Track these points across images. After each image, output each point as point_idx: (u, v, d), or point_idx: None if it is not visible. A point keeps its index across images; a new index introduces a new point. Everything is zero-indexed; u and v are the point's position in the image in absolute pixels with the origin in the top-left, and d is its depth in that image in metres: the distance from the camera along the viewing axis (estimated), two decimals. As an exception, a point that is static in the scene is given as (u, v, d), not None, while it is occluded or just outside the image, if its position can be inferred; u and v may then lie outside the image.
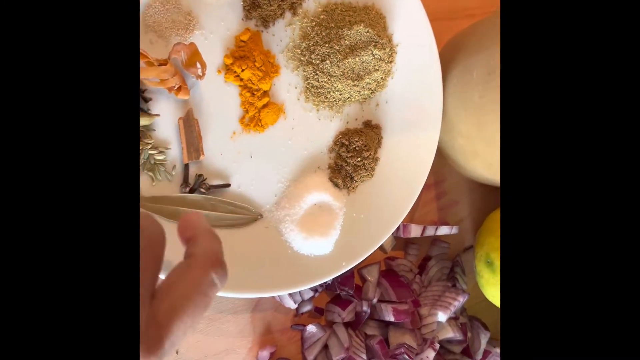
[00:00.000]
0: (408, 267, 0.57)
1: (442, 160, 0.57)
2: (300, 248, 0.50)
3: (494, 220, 0.55)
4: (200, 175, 0.47)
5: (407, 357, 0.51)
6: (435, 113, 0.53)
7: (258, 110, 0.48)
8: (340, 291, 0.53)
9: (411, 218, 0.57)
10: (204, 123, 0.48)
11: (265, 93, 0.49)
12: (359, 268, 0.55)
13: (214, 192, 0.48)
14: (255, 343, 0.51)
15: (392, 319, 0.51)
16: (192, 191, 0.47)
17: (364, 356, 0.51)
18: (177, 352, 0.49)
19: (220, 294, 0.46)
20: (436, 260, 0.58)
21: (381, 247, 0.56)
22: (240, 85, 0.48)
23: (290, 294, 0.51)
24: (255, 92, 0.48)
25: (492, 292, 0.54)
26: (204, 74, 0.46)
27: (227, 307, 0.51)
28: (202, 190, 0.47)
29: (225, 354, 0.50)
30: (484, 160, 0.52)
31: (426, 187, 0.58)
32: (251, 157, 0.50)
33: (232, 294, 0.47)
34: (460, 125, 0.52)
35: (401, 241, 0.57)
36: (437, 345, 0.52)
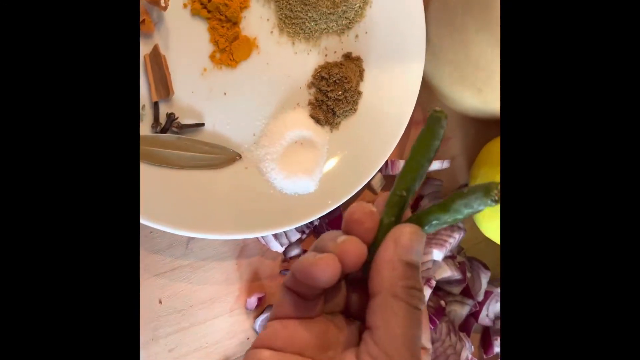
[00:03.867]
0: (400, 207, 0.54)
1: (430, 94, 0.55)
2: (282, 187, 0.48)
3: (488, 151, 0.53)
4: (171, 114, 0.45)
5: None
6: (418, 41, 0.50)
7: (229, 42, 0.46)
8: (329, 233, 0.51)
9: (400, 156, 0.55)
10: (172, 60, 0.45)
11: (235, 25, 0.46)
12: (348, 210, 0.53)
13: (188, 132, 0.46)
14: (243, 291, 0.49)
15: (383, 257, 0.49)
16: (163, 131, 0.45)
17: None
18: (160, 302, 0.47)
19: (200, 235, 0.44)
20: (429, 199, 0.55)
21: (370, 187, 0.54)
22: (208, 18, 0.46)
23: (275, 236, 0.49)
24: (225, 24, 0.46)
25: (489, 225, 0.51)
26: (167, 5, 0.43)
27: (211, 254, 0.48)
28: (175, 129, 0.45)
29: (211, 302, 0.48)
30: (472, 85, 0.49)
31: (415, 123, 0.55)
32: (225, 94, 0.47)
33: (213, 235, 0.45)
34: (444, 52, 0.50)
35: (391, 180, 0.55)
36: (434, 283, 0.49)
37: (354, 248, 0.26)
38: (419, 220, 0.26)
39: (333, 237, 0.27)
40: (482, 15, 0.43)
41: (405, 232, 0.26)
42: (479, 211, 0.25)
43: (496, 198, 0.24)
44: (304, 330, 0.27)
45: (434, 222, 0.26)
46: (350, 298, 0.29)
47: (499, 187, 0.24)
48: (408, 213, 0.28)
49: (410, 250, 0.25)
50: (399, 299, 0.25)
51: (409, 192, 0.27)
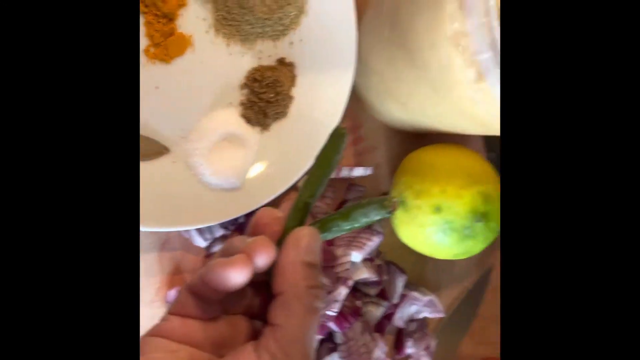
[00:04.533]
0: (324, 210, 0.56)
1: (360, 105, 0.57)
2: (209, 183, 0.49)
3: (410, 160, 0.56)
4: (100, 104, 0.45)
5: (319, 294, 0.50)
6: (350, 51, 0.52)
7: (164, 38, 0.47)
8: (253, 231, 0.52)
9: (327, 161, 0.57)
10: (105, 50, 0.46)
11: (171, 21, 0.47)
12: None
13: (117, 123, 0.46)
14: (164, 283, 0.50)
15: (304, 256, 0.51)
16: (91, 120, 0.45)
17: (276, 294, 0.50)
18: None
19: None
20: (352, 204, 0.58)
21: (296, 189, 0.55)
22: (144, 12, 0.46)
23: (199, 232, 0.50)
24: (161, 20, 0.47)
25: (405, 231, 0.54)
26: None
27: (133, 245, 0.49)
28: (103, 119, 0.45)
29: (130, 293, 0.48)
30: (397, 99, 0.52)
31: (343, 131, 0.58)
32: (156, 88, 0.48)
33: (134, 227, 0.45)
34: (373, 63, 0.52)
35: (317, 183, 0.57)
36: (350, 283, 0.52)
37: (265, 247, 0.27)
38: (322, 226, 0.29)
39: (242, 240, 0.28)
40: (405, 35, 0.46)
41: (303, 235, 0.28)
42: (374, 221, 0.29)
43: (390, 210, 0.28)
44: (203, 330, 0.28)
45: (334, 229, 0.29)
46: (252, 300, 0.30)
47: (393, 200, 0.28)
48: (309, 219, 0.30)
49: (309, 251, 0.27)
50: (301, 300, 0.26)
51: (313, 199, 0.30)
